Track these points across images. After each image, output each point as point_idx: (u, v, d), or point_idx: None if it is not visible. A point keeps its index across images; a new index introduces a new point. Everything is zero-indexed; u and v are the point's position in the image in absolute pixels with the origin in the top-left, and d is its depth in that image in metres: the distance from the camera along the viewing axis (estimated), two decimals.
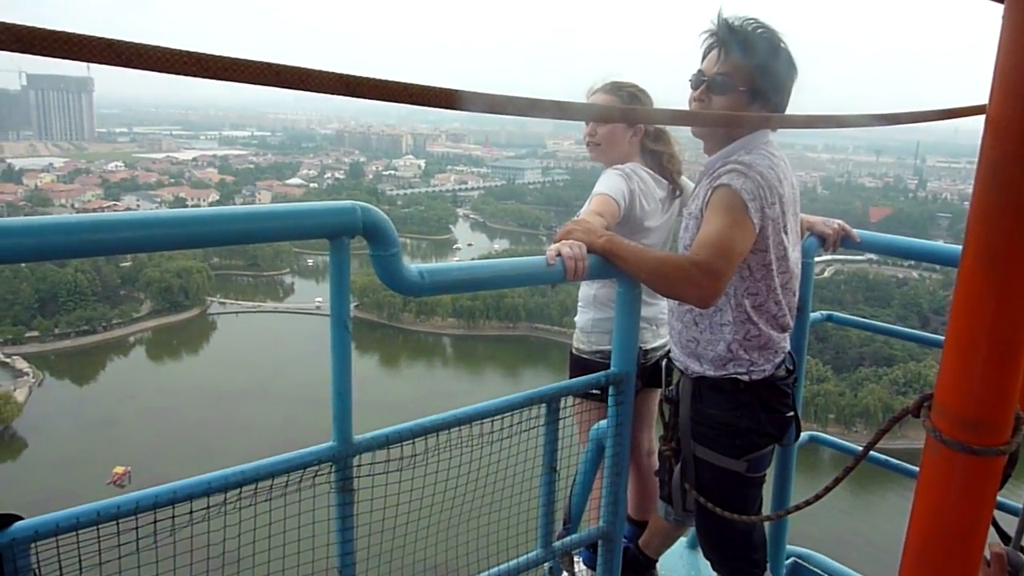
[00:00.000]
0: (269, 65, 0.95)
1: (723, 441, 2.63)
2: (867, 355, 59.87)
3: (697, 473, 2.69)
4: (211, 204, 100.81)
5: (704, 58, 2.60)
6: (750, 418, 2.61)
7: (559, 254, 2.23)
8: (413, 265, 1.93)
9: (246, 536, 1.82)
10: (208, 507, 1.71)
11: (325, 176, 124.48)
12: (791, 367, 2.73)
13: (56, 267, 70.41)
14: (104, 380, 63.42)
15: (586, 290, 3.28)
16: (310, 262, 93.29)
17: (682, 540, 3.68)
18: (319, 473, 1.88)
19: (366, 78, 1.01)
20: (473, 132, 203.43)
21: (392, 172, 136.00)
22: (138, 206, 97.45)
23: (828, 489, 2.10)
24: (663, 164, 3.22)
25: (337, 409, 1.89)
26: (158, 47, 0.89)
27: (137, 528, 1.62)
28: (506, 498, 2.34)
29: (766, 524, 3.01)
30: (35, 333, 66.96)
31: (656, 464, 3.44)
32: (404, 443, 2.00)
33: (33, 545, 1.50)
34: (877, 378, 56.54)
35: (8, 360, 63.76)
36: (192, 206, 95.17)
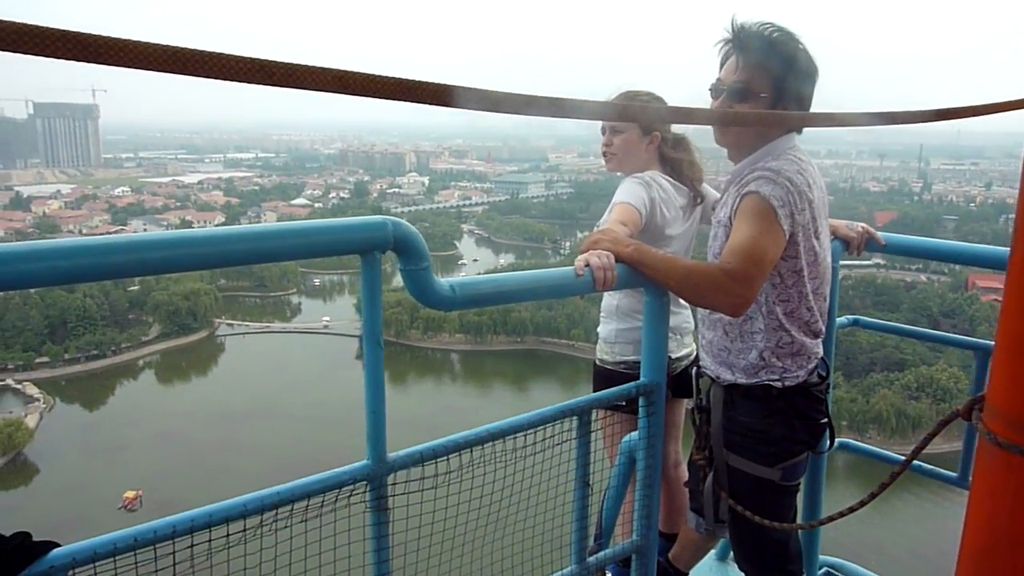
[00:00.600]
0: (257, 61, 0.89)
1: (757, 449, 2.59)
2: (878, 360, 59.43)
3: (730, 483, 2.65)
4: (217, 226, 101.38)
5: (722, 67, 2.58)
6: (784, 425, 2.57)
7: (587, 264, 2.21)
8: (444, 280, 1.91)
9: (282, 559, 1.79)
10: (245, 529, 1.68)
11: (330, 196, 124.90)
12: (824, 373, 2.69)
13: (65, 292, 70.69)
14: (114, 404, 63.43)
15: (608, 300, 3.25)
16: (316, 282, 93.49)
17: (711, 552, 3.62)
18: (354, 493, 1.85)
19: (359, 73, 0.94)
20: (476, 148, 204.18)
21: (396, 190, 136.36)
22: (144, 230, 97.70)
23: (874, 496, 2.07)
24: (683, 171, 3.20)
25: (371, 427, 1.86)
26: (129, 40, 0.82)
27: (174, 553, 1.59)
28: (539, 513, 2.31)
29: (799, 534, 2.97)
30: (45, 359, 67.12)
31: (684, 475, 3.40)
32: (439, 460, 1.98)
33: (72, 572, 1.48)
34: (889, 383, 56.07)
35: (19, 386, 63.89)
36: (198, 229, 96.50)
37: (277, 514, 1.72)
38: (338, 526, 1.83)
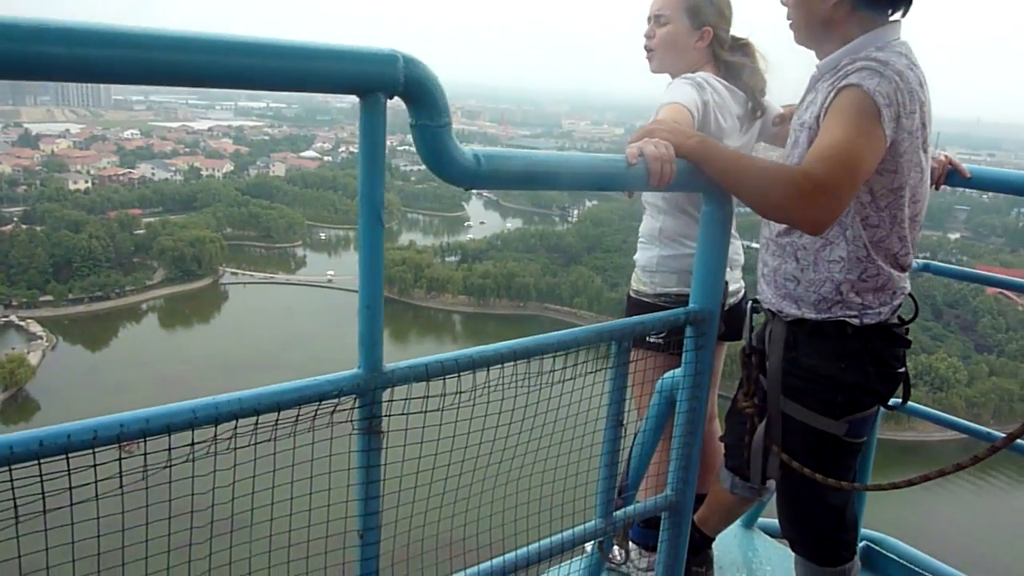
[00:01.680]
0: None
1: (821, 397, 2.18)
2: None
3: (784, 437, 2.25)
4: (225, 174, 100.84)
5: None
6: (857, 371, 2.15)
7: (641, 154, 1.77)
8: (467, 147, 1.49)
9: (243, 486, 1.41)
10: (192, 443, 1.29)
11: (340, 150, 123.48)
12: (910, 315, 2.26)
13: (70, 233, 70.45)
14: (116, 346, 63.52)
15: (650, 223, 2.82)
16: (323, 236, 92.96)
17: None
18: (338, 408, 1.45)
19: None
20: (489, 110, 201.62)
21: (406, 147, 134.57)
22: (152, 174, 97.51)
23: (960, 467, 1.69)
24: (741, 77, 2.73)
25: (365, 327, 1.46)
26: None
27: (95, 466, 1.20)
28: (561, 455, 1.91)
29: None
30: (49, 297, 67.02)
31: (718, 429, 3.01)
32: (447, 376, 1.58)
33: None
34: None
35: (22, 323, 63.99)
36: (207, 176, 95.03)
37: (236, 427, 1.33)
38: (316, 450, 1.44)
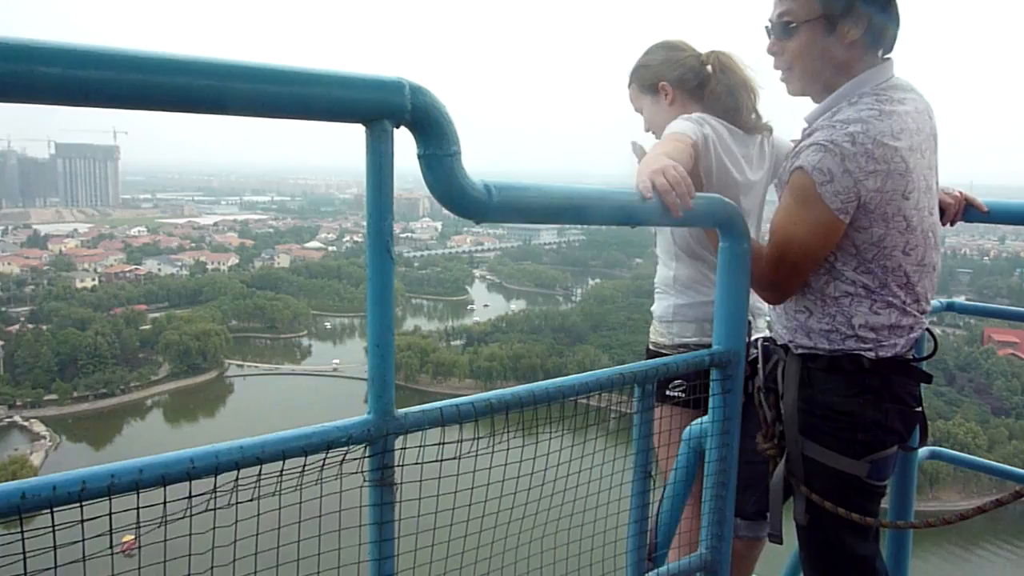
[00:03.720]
0: None
1: (840, 436, 2.08)
2: None
3: (806, 479, 2.13)
4: (230, 267, 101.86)
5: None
6: (875, 407, 2.06)
7: (654, 186, 1.72)
8: (478, 178, 1.44)
9: (244, 545, 1.29)
10: (190, 495, 1.18)
11: (344, 239, 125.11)
12: (928, 352, 2.19)
13: (76, 331, 70.62)
14: (120, 443, 62.63)
15: (663, 272, 2.75)
16: (328, 324, 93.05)
17: None
18: (348, 458, 1.35)
19: None
20: None
21: (410, 234, 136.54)
22: (159, 270, 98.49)
23: (1000, 503, 1.57)
24: (723, 103, 2.60)
25: (375, 368, 1.37)
26: None
27: (82, 522, 1.10)
28: (588, 509, 1.78)
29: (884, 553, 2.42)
30: (54, 396, 66.58)
31: None
32: (464, 422, 1.48)
33: None
34: None
35: (26, 423, 63.35)
36: (212, 269, 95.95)
37: (238, 477, 1.22)
38: (325, 504, 1.33)
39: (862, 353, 2.07)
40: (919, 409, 2.20)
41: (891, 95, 2.06)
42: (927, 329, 2.18)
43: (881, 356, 2.07)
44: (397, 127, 1.32)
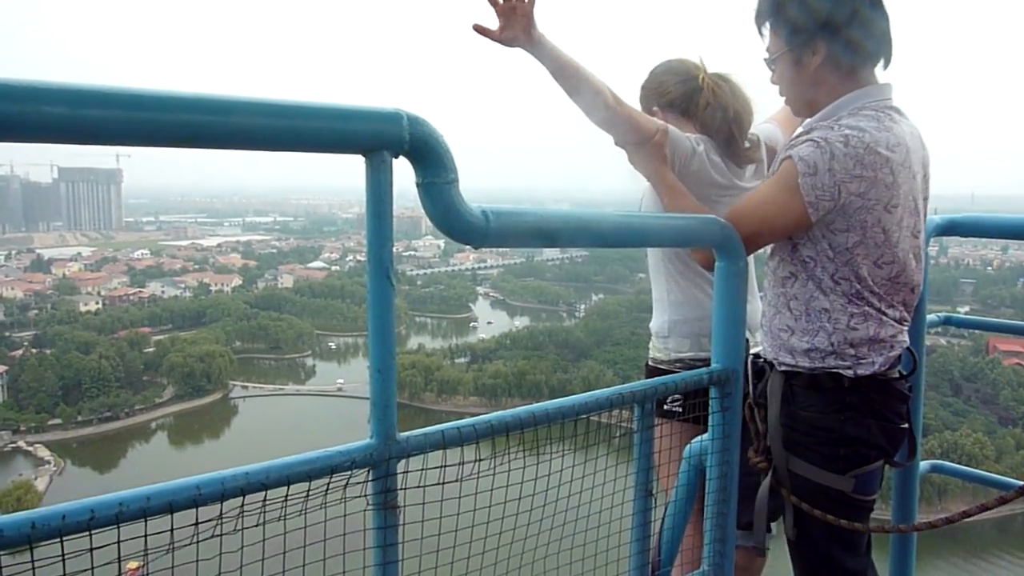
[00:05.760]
0: None
1: (822, 451, 2.11)
2: None
3: (792, 494, 2.15)
4: (234, 288, 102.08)
5: None
6: (857, 424, 2.09)
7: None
8: (475, 204, 1.47)
9: (251, 571, 1.31)
10: (196, 522, 1.20)
11: (347, 259, 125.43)
12: (908, 369, 2.21)
13: (80, 354, 70.70)
14: (125, 467, 62.54)
15: (658, 287, 2.77)
16: (332, 344, 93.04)
17: None
18: (351, 482, 1.37)
19: None
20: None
21: (412, 253, 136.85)
22: (162, 292, 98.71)
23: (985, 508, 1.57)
24: (712, 126, 2.62)
25: (377, 393, 1.39)
26: None
27: (91, 550, 1.12)
28: (590, 529, 1.80)
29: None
30: (58, 421, 66.57)
31: None
32: (466, 444, 1.50)
33: None
34: None
35: (30, 448, 63.28)
36: (216, 291, 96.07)
37: (244, 504, 1.24)
38: (329, 528, 1.35)
39: (841, 372, 2.11)
40: (904, 426, 2.23)
41: (891, 114, 2.13)
42: (908, 348, 2.21)
43: (860, 374, 2.11)
44: (396, 157, 1.35)
